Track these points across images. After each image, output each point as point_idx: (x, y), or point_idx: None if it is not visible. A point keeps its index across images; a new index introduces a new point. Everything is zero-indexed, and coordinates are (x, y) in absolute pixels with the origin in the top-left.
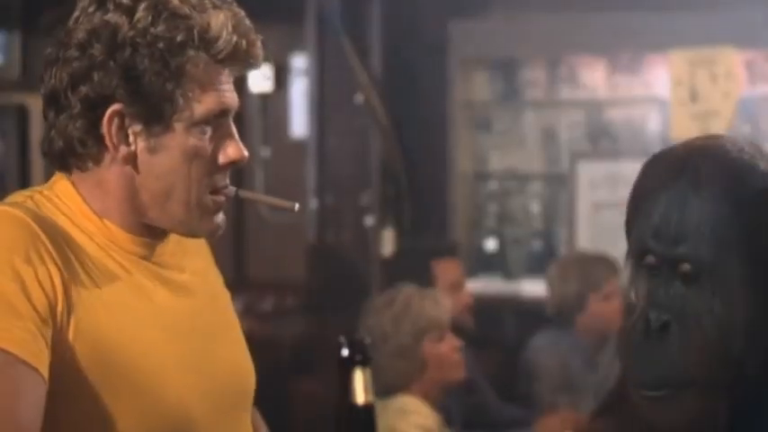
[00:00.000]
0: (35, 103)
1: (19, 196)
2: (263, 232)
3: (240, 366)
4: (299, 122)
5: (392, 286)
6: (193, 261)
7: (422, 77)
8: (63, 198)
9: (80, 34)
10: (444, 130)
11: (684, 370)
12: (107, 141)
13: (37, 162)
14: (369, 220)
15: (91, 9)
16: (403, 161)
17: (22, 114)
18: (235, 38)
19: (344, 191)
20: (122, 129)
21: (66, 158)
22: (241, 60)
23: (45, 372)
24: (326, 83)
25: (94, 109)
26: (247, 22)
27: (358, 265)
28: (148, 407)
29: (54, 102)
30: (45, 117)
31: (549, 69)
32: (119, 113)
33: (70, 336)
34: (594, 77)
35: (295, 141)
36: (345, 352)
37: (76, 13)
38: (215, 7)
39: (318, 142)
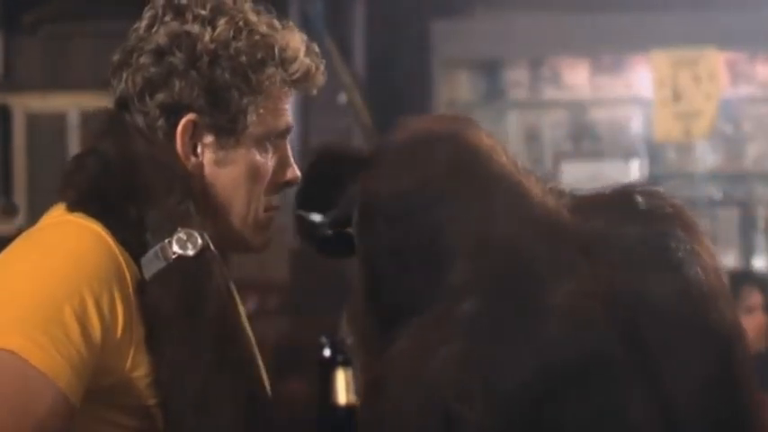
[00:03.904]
0: (18, 104)
1: None
2: None
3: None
4: None
5: None
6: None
7: (405, 78)
8: None
9: (158, 40)
10: None
11: None
12: (179, 150)
13: (19, 163)
14: None
15: (167, 18)
16: None
17: (4, 115)
18: (308, 60)
19: None
20: (192, 139)
21: None
22: (307, 83)
23: (77, 401)
24: None
25: (168, 117)
26: (315, 47)
27: (340, 266)
28: None
29: (124, 107)
30: None
31: (532, 70)
32: (192, 123)
33: (128, 363)
34: (577, 78)
35: None
36: (327, 352)
37: (147, 21)
38: (285, 28)
39: (302, 142)
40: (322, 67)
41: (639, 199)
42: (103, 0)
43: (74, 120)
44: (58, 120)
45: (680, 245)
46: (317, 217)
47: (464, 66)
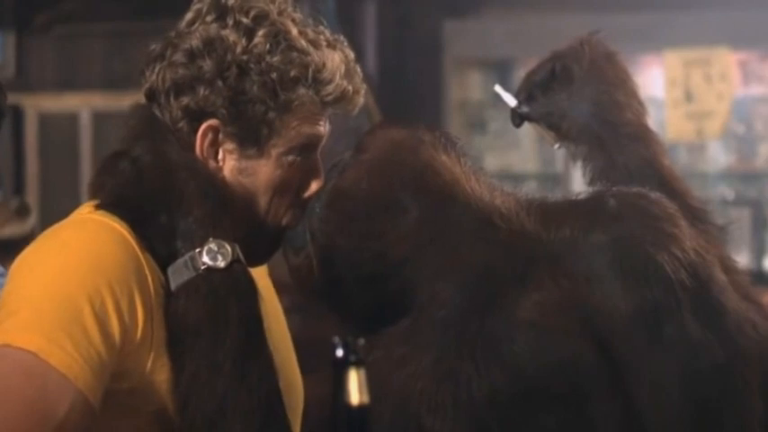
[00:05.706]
0: (30, 104)
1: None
2: None
3: (299, 379)
4: None
5: None
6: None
7: (416, 78)
8: None
9: (192, 41)
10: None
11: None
12: (197, 153)
13: (32, 163)
14: None
15: (209, 18)
16: None
17: (17, 115)
18: (345, 83)
19: None
20: (214, 144)
21: None
22: (344, 105)
23: (96, 401)
24: None
25: (191, 121)
26: (358, 67)
27: None
28: None
29: (153, 99)
30: None
31: None
32: (214, 129)
33: (148, 366)
34: None
35: None
36: (340, 352)
37: (191, 16)
38: (329, 46)
39: None
40: (363, 90)
41: (612, 203)
42: (115, 0)
43: (86, 120)
44: (71, 120)
45: (644, 249)
46: (511, 100)
47: (476, 66)
